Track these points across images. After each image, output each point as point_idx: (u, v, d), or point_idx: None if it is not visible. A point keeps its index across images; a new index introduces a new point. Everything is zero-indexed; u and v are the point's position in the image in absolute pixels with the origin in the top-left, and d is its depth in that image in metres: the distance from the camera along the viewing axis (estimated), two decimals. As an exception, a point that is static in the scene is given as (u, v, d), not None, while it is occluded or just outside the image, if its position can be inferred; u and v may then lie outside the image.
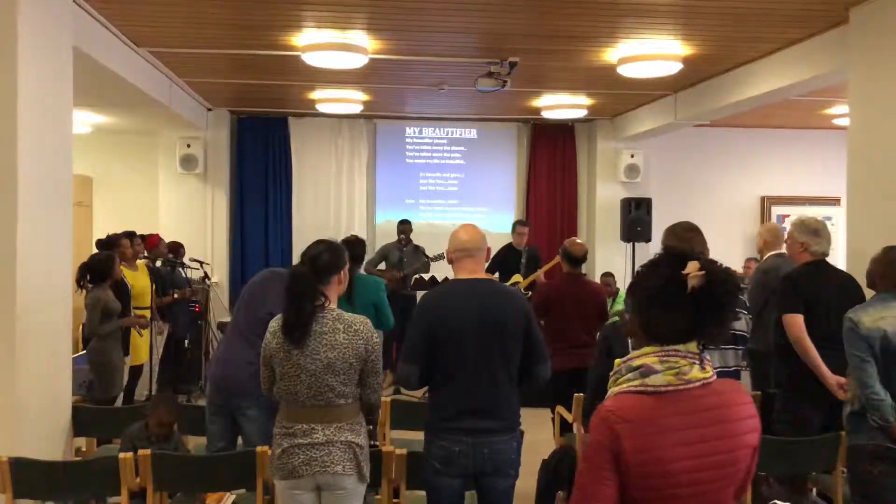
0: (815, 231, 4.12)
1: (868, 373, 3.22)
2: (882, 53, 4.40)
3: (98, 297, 5.05)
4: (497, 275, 7.48)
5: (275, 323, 2.84)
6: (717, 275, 1.61)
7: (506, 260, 7.66)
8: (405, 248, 8.06)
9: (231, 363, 3.73)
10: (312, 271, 2.80)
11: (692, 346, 1.64)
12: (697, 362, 1.63)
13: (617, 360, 1.70)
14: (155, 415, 3.76)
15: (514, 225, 7.90)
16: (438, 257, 7.77)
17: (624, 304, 6.07)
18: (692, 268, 1.60)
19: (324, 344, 2.75)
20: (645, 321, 1.66)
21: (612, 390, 1.66)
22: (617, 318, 5.14)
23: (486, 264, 7.57)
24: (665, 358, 1.62)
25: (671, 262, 1.64)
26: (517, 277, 7.32)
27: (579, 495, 1.62)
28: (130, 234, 6.49)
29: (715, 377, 1.66)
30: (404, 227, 8.14)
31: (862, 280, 3.67)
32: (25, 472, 3.20)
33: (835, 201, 9.41)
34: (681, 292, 1.60)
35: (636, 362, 1.64)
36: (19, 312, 3.56)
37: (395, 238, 8.21)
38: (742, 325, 3.01)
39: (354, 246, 4.69)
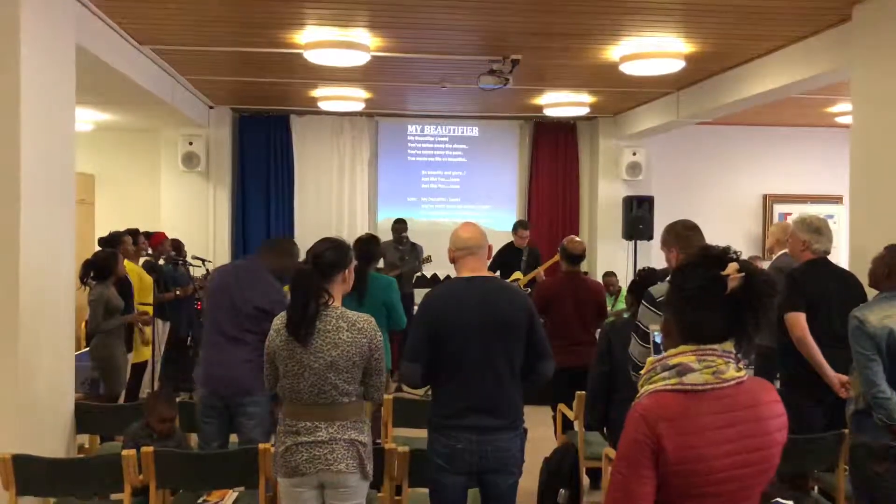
0: (817, 229, 4.12)
1: (874, 371, 3.21)
2: (885, 51, 4.39)
3: (101, 294, 5.06)
4: (498, 273, 7.48)
5: (278, 320, 2.84)
6: (757, 276, 1.63)
7: (506, 258, 7.67)
8: (402, 246, 8.05)
9: (224, 365, 3.73)
10: (317, 269, 2.80)
11: (728, 346, 1.65)
12: (733, 361, 1.65)
13: (650, 359, 1.71)
14: (155, 412, 3.77)
15: (515, 226, 7.89)
16: (426, 260, 7.80)
17: (625, 302, 6.08)
18: (732, 269, 1.62)
19: (327, 342, 2.75)
20: (683, 322, 1.67)
21: (646, 388, 1.66)
22: (613, 318, 5.16)
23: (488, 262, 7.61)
24: (702, 357, 1.63)
25: (710, 263, 1.66)
26: (517, 275, 7.33)
27: (618, 494, 1.62)
28: (134, 232, 6.50)
29: (747, 376, 1.68)
30: (399, 226, 8.13)
31: (864, 278, 3.66)
32: (29, 469, 3.20)
33: (837, 199, 9.40)
34: (720, 293, 1.62)
35: (672, 361, 1.65)
36: (22, 310, 3.57)
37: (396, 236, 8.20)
38: None
39: (368, 244, 4.73)
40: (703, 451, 1.58)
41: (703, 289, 1.64)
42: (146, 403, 3.94)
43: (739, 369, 1.66)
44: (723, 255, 1.67)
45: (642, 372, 1.72)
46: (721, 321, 1.64)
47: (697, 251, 1.74)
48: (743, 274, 1.62)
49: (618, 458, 1.65)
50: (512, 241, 7.84)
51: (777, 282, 1.72)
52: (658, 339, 2.64)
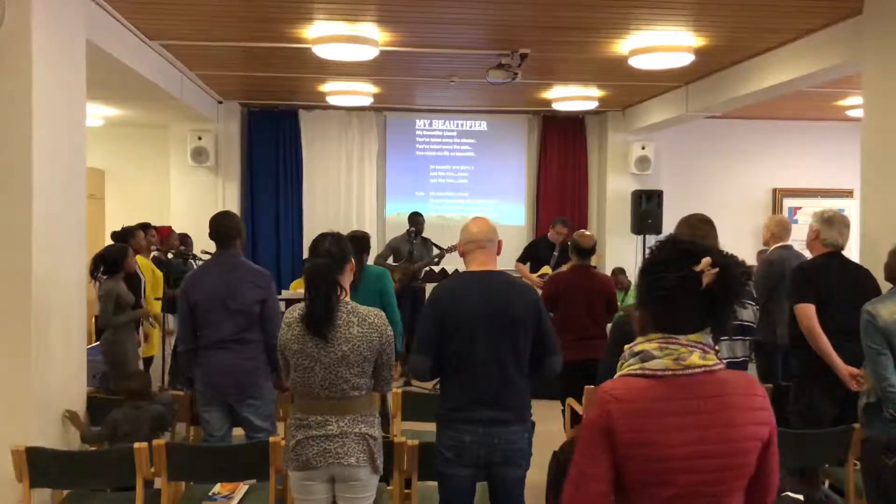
0: (828, 220, 4.10)
1: (884, 365, 3.21)
2: (897, 44, 4.37)
3: (111, 289, 5.08)
4: (528, 265, 7.50)
5: (290, 315, 2.85)
6: (730, 268, 1.62)
7: (538, 251, 7.66)
8: (415, 241, 8.06)
9: (226, 368, 3.77)
10: (333, 264, 2.81)
11: (695, 337, 1.64)
12: (697, 349, 1.63)
13: (626, 347, 1.72)
14: (131, 392, 3.86)
15: (555, 222, 7.82)
16: (452, 248, 7.77)
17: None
18: (705, 264, 1.61)
19: (338, 336, 2.76)
20: (657, 317, 1.66)
21: (617, 375, 1.69)
22: (622, 314, 5.16)
23: (520, 254, 7.59)
24: (664, 345, 1.63)
25: (682, 258, 1.64)
26: (546, 269, 7.34)
27: (574, 472, 1.64)
28: (145, 226, 6.53)
29: (722, 366, 1.66)
30: (417, 218, 8.13)
31: (876, 272, 3.65)
32: (42, 462, 3.24)
33: (847, 193, 9.35)
34: (695, 290, 1.61)
35: (637, 348, 1.67)
36: (35, 304, 3.59)
37: (404, 230, 8.20)
38: (749, 315, 3.01)
39: (363, 239, 4.76)
40: (658, 437, 1.57)
41: (678, 287, 1.62)
42: (123, 392, 4.00)
43: (707, 358, 1.63)
44: (694, 249, 1.64)
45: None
46: (695, 316, 1.63)
47: (666, 245, 1.70)
48: (717, 269, 1.60)
49: (578, 439, 1.67)
50: (546, 235, 7.81)
51: (748, 271, 1.72)
52: None
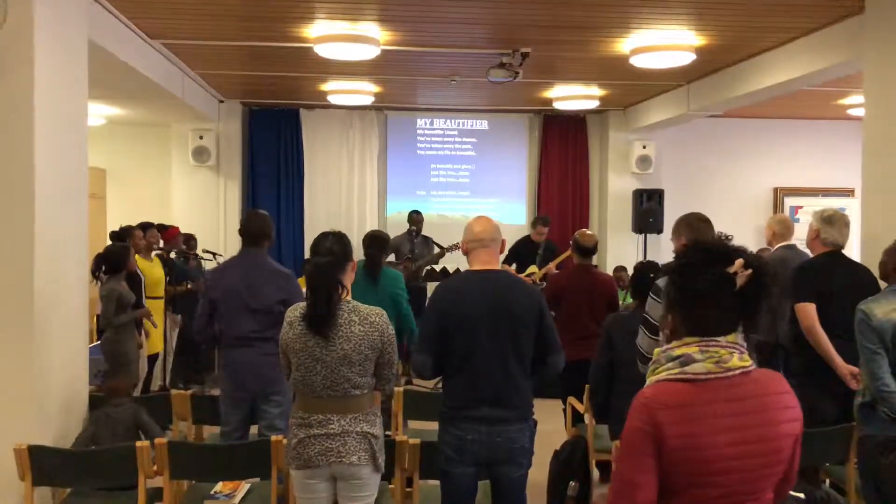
0: (828, 219, 4.10)
1: (879, 364, 3.21)
2: (898, 43, 4.36)
3: (113, 289, 5.09)
4: (514, 266, 7.52)
5: (292, 313, 2.86)
6: (763, 270, 1.63)
7: (523, 251, 7.68)
8: (416, 239, 8.07)
9: (249, 364, 3.83)
10: (334, 262, 2.81)
11: (731, 338, 1.66)
12: (737, 351, 1.65)
13: (656, 350, 1.71)
14: (114, 392, 3.87)
15: (535, 222, 7.90)
16: (454, 247, 7.78)
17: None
18: (738, 266, 1.62)
19: (340, 335, 2.76)
20: (692, 320, 1.66)
21: (651, 379, 1.67)
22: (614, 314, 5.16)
23: (503, 256, 7.63)
24: (705, 348, 1.64)
25: (715, 259, 1.65)
26: (533, 268, 7.36)
27: (620, 483, 1.63)
28: (147, 226, 6.54)
29: (755, 366, 1.68)
30: (417, 216, 8.15)
31: (876, 270, 3.65)
32: (44, 460, 3.24)
33: (849, 192, 9.35)
34: (730, 291, 1.62)
35: (676, 352, 1.65)
36: (36, 303, 3.60)
37: (405, 229, 8.21)
38: None
39: (381, 236, 4.88)
40: (705, 440, 1.58)
41: (715, 290, 1.63)
42: (105, 393, 4.00)
43: (744, 359, 1.65)
44: (728, 252, 1.66)
45: (650, 363, 1.73)
46: (730, 317, 1.64)
47: (695, 247, 1.71)
48: (750, 271, 1.62)
49: (621, 447, 1.66)
50: (529, 235, 7.85)
51: (777, 272, 1.72)
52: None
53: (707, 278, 1.64)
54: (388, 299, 4.51)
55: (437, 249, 7.96)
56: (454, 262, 7.15)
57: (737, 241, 1.74)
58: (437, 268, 7.92)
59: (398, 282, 4.74)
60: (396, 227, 8.87)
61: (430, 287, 7.22)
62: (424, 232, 8.22)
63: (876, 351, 3.23)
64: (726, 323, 1.65)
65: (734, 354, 1.64)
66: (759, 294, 1.63)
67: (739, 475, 1.61)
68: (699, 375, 1.61)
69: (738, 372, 1.63)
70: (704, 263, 1.66)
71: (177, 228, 7.36)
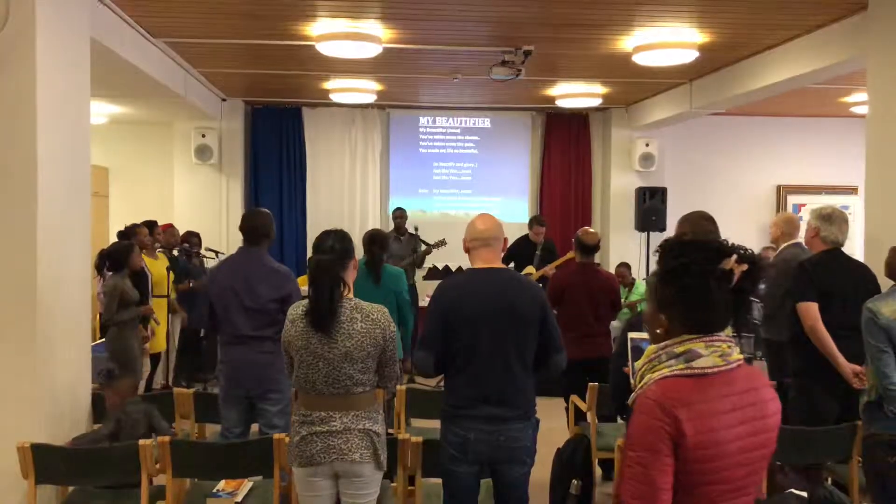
0: (827, 217, 4.09)
1: (886, 363, 3.21)
2: (902, 40, 4.35)
3: (115, 285, 5.09)
4: (512, 265, 7.50)
5: (294, 311, 2.86)
6: (755, 264, 1.65)
7: (520, 251, 7.67)
8: (402, 237, 8.06)
9: (247, 363, 3.83)
10: (336, 260, 2.82)
11: (728, 331, 1.69)
12: (734, 345, 1.68)
13: (652, 347, 1.70)
14: (115, 395, 3.84)
15: (531, 222, 7.88)
16: (440, 244, 7.78)
17: (645, 296, 6.05)
18: (732, 262, 1.63)
19: (342, 333, 2.76)
20: (689, 317, 1.67)
21: (650, 377, 1.66)
22: (627, 311, 5.14)
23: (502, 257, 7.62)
24: (709, 343, 1.65)
25: (711, 257, 1.65)
26: (530, 269, 7.34)
27: (640, 487, 1.58)
28: (151, 224, 6.55)
29: (743, 361, 1.71)
30: (398, 213, 8.15)
31: (879, 268, 3.64)
32: (47, 458, 3.24)
33: (852, 190, 9.33)
34: (725, 287, 1.63)
35: (679, 349, 1.65)
36: (40, 302, 3.61)
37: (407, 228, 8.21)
38: (755, 312, 3.02)
39: (383, 239, 4.90)
40: (719, 435, 1.58)
41: (714, 286, 1.63)
42: (105, 393, 3.99)
43: (738, 353, 1.68)
44: (722, 248, 1.66)
45: (640, 361, 1.71)
46: (727, 312, 1.66)
47: (690, 245, 1.70)
48: (746, 266, 1.63)
49: (634, 448, 1.61)
50: (527, 235, 7.84)
51: (764, 264, 1.74)
52: (644, 346, 2.44)
53: (707, 275, 1.64)
54: (390, 297, 4.53)
55: (423, 247, 7.96)
56: (456, 260, 7.14)
57: (740, 239, 1.74)
58: (440, 265, 7.91)
59: (400, 279, 4.76)
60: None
61: (431, 286, 7.22)
62: (426, 231, 8.20)
63: (883, 349, 3.22)
64: (723, 318, 1.66)
65: (735, 348, 1.66)
66: (752, 289, 1.65)
67: (746, 468, 1.62)
68: (706, 370, 1.62)
69: (734, 365, 1.66)
70: (702, 261, 1.65)
71: (170, 224, 7.36)
